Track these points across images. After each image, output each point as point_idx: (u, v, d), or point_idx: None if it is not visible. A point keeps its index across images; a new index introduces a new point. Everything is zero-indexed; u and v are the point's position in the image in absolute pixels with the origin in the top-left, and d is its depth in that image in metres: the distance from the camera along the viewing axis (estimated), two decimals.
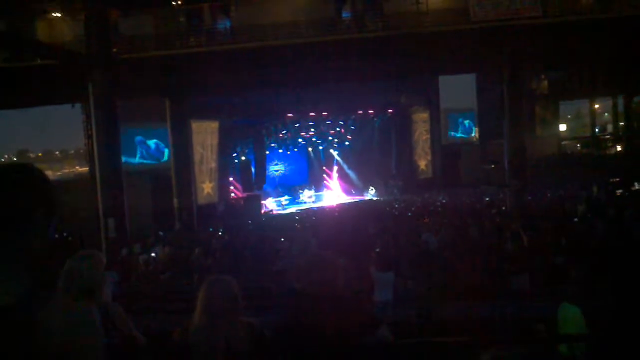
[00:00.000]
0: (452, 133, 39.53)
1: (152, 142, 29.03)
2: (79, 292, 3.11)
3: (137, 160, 28.75)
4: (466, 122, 39.21)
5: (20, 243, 1.55)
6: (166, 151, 28.58)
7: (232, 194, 33.08)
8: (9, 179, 1.59)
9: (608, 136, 40.84)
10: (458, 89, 40.42)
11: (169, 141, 26.24)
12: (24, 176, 1.61)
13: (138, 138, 28.77)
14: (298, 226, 21.63)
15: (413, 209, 24.69)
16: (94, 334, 1.67)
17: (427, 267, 11.40)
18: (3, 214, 1.54)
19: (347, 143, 37.77)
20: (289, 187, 36.25)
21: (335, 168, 38.30)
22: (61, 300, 1.78)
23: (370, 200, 34.65)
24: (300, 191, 36.01)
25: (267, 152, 35.08)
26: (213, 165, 28.92)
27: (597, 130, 41.82)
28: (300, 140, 36.55)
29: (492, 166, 32.14)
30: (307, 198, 35.60)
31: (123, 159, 21.20)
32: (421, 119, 36.20)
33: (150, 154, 29.35)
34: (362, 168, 37.34)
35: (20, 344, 1.47)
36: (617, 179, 26.34)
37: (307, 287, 3.18)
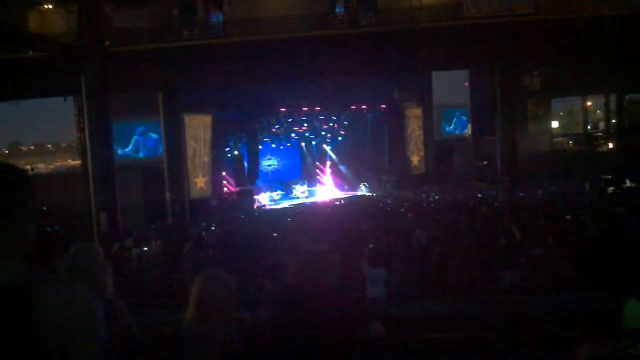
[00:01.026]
0: (445, 125, 39.65)
1: (154, 135, 28.79)
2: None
3: (128, 150, 28.54)
4: (463, 117, 39.28)
5: (5, 237, 1.62)
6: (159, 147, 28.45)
7: (225, 189, 33.05)
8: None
9: (600, 133, 41.00)
10: (451, 85, 40.52)
11: (162, 135, 26.17)
12: (7, 174, 1.69)
13: (140, 129, 28.61)
14: (290, 221, 21.63)
15: (405, 204, 24.71)
16: (91, 311, 1.70)
17: (419, 263, 11.44)
18: None
19: (340, 138, 37.78)
20: (282, 182, 36.24)
21: (328, 163, 38.32)
22: (59, 279, 1.83)
23: (363, 195, 34.68)
24: (293, 186, 36.00)
25: (260, 147, 35.04)
26: (206, 159, 28.85)
27: (589, 127, 41.98)
28: (293, 135, 36.52)
29: (485, 163, 32.26)
30: (300, 193, 35.62)
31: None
32: (414, 115, 36.23)
33: (148, 146, 29.13)
34: (354, 163, 37.34)
35: (13, 320, 1.51)
36: (609, 177, 26.44)
37: (299, 282, 3.18)
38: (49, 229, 20.33)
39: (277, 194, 34.94)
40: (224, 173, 32.91)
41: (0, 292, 1.53)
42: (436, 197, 28.18)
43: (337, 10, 23.42)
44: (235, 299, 3.06)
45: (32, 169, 31.56)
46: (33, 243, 1.70)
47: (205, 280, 3.09)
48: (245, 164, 34.07)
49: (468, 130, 39.27)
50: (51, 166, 67.05)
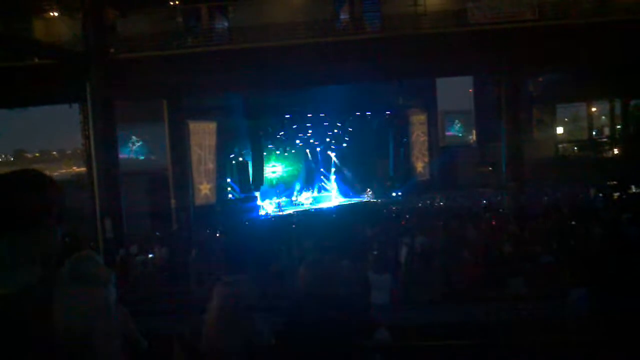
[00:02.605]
0: (450, 131, 39.76)
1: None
2: None
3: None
4: (458, 125, 39.38)
5: (34, 242, 1.67)
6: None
7: (230, 195, 33.07)
8: (25, 184, 1.68)
9: (605, 139, 40.91)
10: (456, 91, 40.52)
11: (167, 142, 26.20)
12: (39, 183, 1.72)
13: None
14: (295, 227, 21.62)
15: (410, 211, 24.70)
16: (104, 316, 1.71)
17: (424, 270, 11.40)
18: (19, 215, 1.66)
19: (344, 145, 37.75)
20: (287, 188, 36.23)
21: (333, 169, 38.29)
22: (71, 287, 1.86)
23: (368, 202, 34.65)
24: (298, 192, 35.98)
25: (265, 153, 35.07)
26: (211, 166, 28.89)
27: (594, 133, 41.90)
28: (298, 141, 36.54)
29: (490, 168, 32.22)
30: (305, 199, 35.58)
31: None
32: (419, 121, 36.23)
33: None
34: (359, 170, 37.34)
35: (22, 331, 1.54)
36: (614, 182, 26.38)
37: (306, 289, 3.17)
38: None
39: (281, 201, 34.94)
40: (228, 179, 32.95)
41: (17, 299, 1.55)
42: (441, 203, 28.17)
43: (341, 16, 23.42)
44: (254, 310, 2.97)
45: None
46: (58, 249, 1.72)
47: (227, 288, 3.00)
48: (250, 170, 34.09)
49: (472, 136, 39.25)
50: (56, 173, 67.18)
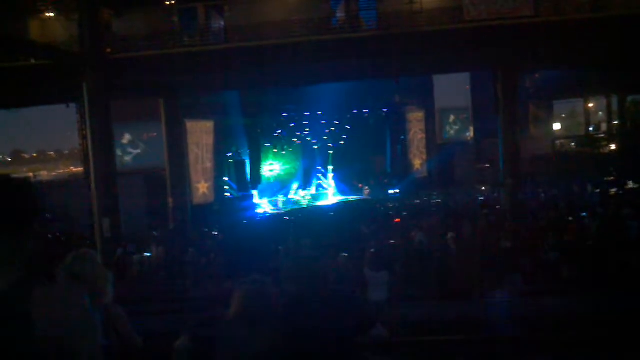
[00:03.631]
0: (445, 132, 39.80)
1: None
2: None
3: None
4: (457, 121, 39.43)
5: (18, 243, 1.68)
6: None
7: (227, 194, 33.05)
8: (10, 190, 1.69)
9: (602, 135, 40.93)
10: (453, 88, 40.54)
11: (164, 141, 26.18)
12: (9, 184, 1.74)
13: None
14: (292, 225, 21.63)
15: (407, 208, 24.74)
16: (87, 317, 1.71)
17: (421, 267, 11.43)
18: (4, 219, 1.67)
19: (342, 142, 37.72)
20: (284, 186, 36.20)
21: (330, 167, 38.23)
22: (55, 286, 1.86)
23: (365, 199, 34.65)
24: (295, 190, 35.95)
25: (262, 152, 35.06)
26: (208, 165, 28.86)
27: (591, 129, 41.91)
28: (295, 139, 36.53)
29: (487, 165, 32.26)
30: (302, 197, 35.53)
31: None
32: (416, 118, 36.27)
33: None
34: (356, 167, 37.32)
35: (12, 325, 1.53)
36: (612, 178, 26.42)
37: (300, 287, 3.17)
38: (50, 236, 20.41)
39: (279, 199, 34.90)
40: (226, 178, 32.93)
41: None
42: (438, 200, 28.21)
43: (337, 14, 23.38)
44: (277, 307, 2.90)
45: (35, 177, 31.67)
46: (38, 251, 1.73)
47: (250, 289, 2.91)
48: (248, 169, 34.06)
49: (470, 133, 39.27)
50: (54, 173, 67.18)
